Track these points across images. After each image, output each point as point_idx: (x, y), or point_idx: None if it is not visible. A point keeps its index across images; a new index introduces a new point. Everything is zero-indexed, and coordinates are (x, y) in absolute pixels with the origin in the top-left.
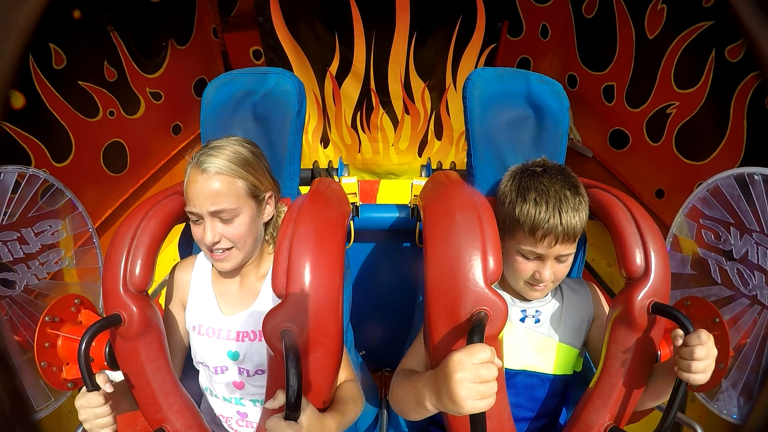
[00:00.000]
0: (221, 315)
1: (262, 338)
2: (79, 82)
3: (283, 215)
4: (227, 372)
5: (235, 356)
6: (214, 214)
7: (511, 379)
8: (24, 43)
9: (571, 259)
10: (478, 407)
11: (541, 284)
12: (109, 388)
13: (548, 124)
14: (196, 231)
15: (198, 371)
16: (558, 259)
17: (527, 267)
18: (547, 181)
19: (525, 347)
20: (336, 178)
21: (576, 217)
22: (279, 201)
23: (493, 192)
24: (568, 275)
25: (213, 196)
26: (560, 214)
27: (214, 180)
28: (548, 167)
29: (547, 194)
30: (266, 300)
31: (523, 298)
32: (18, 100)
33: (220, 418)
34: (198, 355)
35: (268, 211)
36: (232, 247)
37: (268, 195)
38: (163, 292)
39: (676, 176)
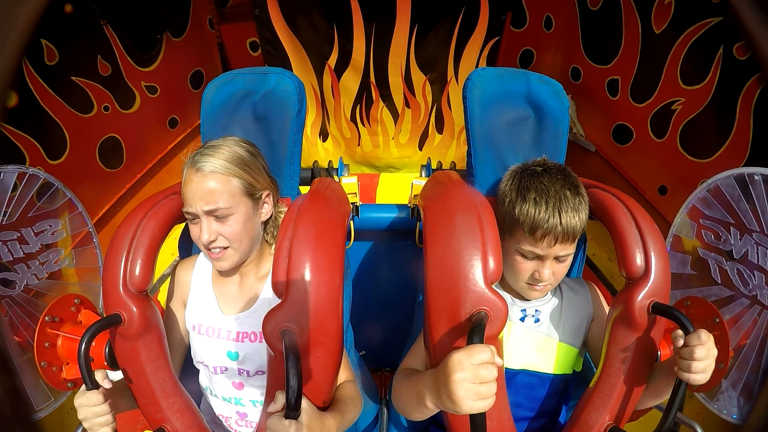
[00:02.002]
0: (221, 315)
1: (263, 340)
2: (73, 78)
3: (282, 215)
4: (227, 372)
5: (234, 357)
6: (209, 213)
7: (511, 378)
8: (24, 44)
9: (570, 259)
10: (476, 408)
11: (540, 284)
12: (107, 384)
13: (548, 124)
14: (193, 230)
15: (198, 371)
16: (557, 258)
17: (526, 267)
18: (548, 181)
19: (525, 347)
20: (336, 178)
21: (576, 217)
22: (279, 201)
23: (493, 192)
24: (569, 274)
25: (207, 195)
26: (560, 214)
27: (209, 179)
28: (548, 167)
29: (547, 194)
30: (267, 301)
31: (523, 298)
32: (11, 98)
33: (220, 417)
34: (198, 354)
35: (266, 210)
36: (228, 247)
37: (265, 194)
38: (162, 288)
39: (680, 173)
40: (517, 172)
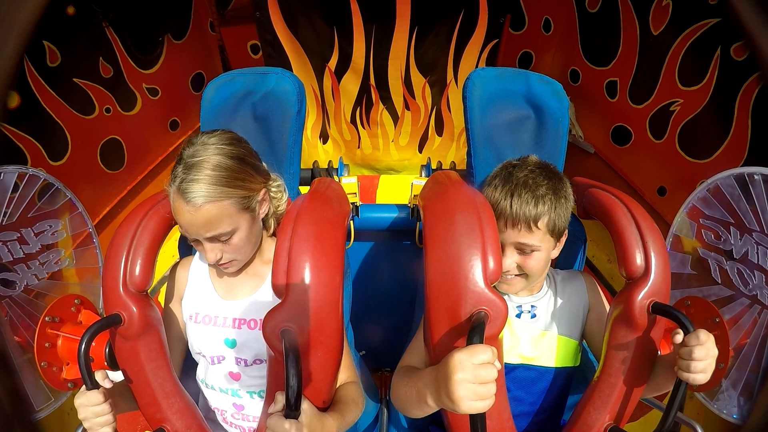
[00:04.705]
0: (219, 300)
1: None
2: (75, 80)
3: (281, 202)
4: (224, 362)
5: (232, 344)
6: (211, 239)
7: (510, 373)
8: (24, 44)
9: (540, 253)
10: (475, 408)
11: (507, 275)
12: (107, 384)
13: (548, 124)
14: (197, 247)
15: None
16: (521, 249)
17: None
18: (516, 170)
19: (523, 342)
20: (336, 178)
21: (532, 204)
22: (275, 191)
23: None
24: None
25: (206, 224)
26: (512, 197)
27: (202, 210)
28: (527, 160)
29: (509, 178)
30: (269, 288)
31: (518, 294)
32: (13, 99)
33: (216, 411)
34: (195, 345)
35: (264, 209)
36: (233, 259)
37: (260, 197)
38: (162, 289)
39: (679, 174)
40: (500, 165)
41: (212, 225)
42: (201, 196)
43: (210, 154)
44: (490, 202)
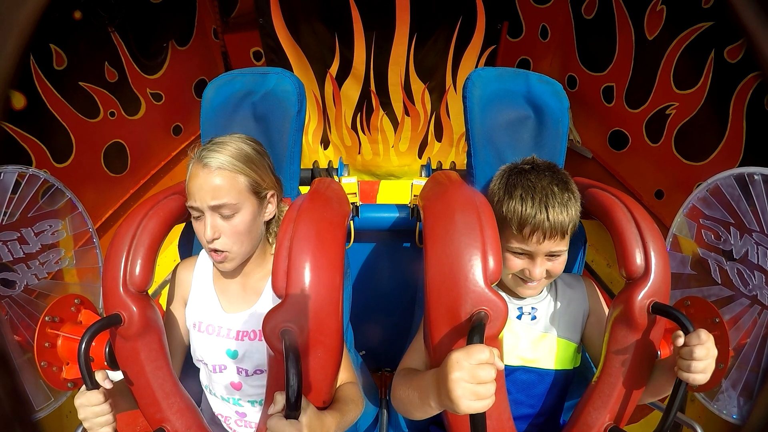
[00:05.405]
0: (222, 312)
1: (263, 338)
2: (80, 83)
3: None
4: (225, 371)
5: (234, 355)
6: (215, 209)
7: (510, 375)
8: (24, 43)
9: (564, 255)
10: (473, 408)
11: (532, 282)
12: (108, 385)
13: (548, 124)
14: (197, 227)
15: (198, 370)
16: (550, 256)
17: (516, 264)
18: (535, 178)
19: (523, 343)
20: (336, 178)
21: (564, 212)
22: (282, 200)
23: None
24: (568, 272)
25: (214, 190)
26: (547, 210)
27: (216, 174)
28: (536, 164)
29: (534, 190)
30: (268, 300)
31: (519, 296)
32: (19, 101)
33: (219, 417)
34: (197, 352)
35: (270, 210)
36: (228, 252)
37: (270, 193)
38: (164, 292)
39: (676, 177)
40: (506, 171)
41: (220, 192)
42: (217, 162)
43: (234, 140)
44: (518, 216)
